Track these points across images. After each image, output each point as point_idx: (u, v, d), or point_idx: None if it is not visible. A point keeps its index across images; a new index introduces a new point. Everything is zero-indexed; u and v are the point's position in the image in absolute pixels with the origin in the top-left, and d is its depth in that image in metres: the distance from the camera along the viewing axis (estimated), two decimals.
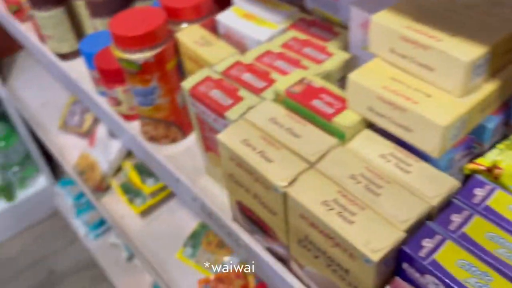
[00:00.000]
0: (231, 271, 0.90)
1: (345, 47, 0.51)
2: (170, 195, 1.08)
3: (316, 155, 0.38)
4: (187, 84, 0.48)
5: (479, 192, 0.35)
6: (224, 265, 0.92)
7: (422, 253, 0.32)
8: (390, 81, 0.37)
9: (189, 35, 0.55)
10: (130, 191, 1.06)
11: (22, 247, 1.62)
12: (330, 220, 0.33)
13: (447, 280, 0.30)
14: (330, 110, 0.40)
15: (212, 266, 0.93)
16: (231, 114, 0.43)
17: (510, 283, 0.29)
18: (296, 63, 0.48)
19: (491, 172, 0.36)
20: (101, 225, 1.51)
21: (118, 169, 1.10)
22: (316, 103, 0.41)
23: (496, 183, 0.36)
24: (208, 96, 0.46)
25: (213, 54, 0.51)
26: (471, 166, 0.37)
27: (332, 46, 0.50)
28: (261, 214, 0.42)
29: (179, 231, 1.01)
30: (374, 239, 0.32)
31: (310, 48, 0.50)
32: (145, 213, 1.05)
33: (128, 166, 1.08)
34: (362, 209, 0.34)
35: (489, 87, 0.35)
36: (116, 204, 1.08)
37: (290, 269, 0.44)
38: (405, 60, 0.36)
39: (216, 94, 0.46)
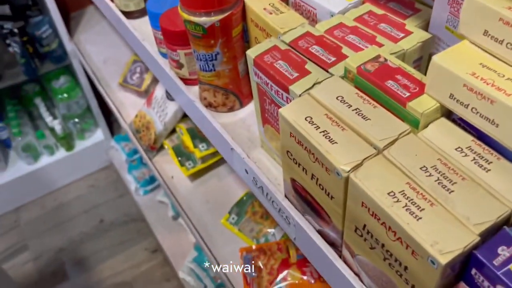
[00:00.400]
0: (273, 243, 0.90)
1: (425, 26, 0.47)
2: (220, 162, 1.08)
3: (385, 141, 0.35)
4: (253, 52, 0.46)
5: None
6: (267, 237, 0.93)
7: (497, 261, 0.29)
8: (479, 68, 0.33)
9: (258, 1, 0.52)
10: (182, 154, 1.08)
11: (77, 194, 1.72)
12: (396, 213, 0.31)
13: None
14: (405, 94, 0.37)
15: (255, 236, 0.93)
16: (295, 88, 0.41)
17: None
18: (370, 40, 0.44)
19: None
20: (150, 182, 1.56)
21: (172, 131, 1.12)
22: (390, 84, 0.37)
23: None
24: (273, 67, 0.44)
25: (282, 23, 0.49)
26: None
27: (411, 24, 0.46)
28: (316, 196, 0.40)
29: (225, 198, 1.01)
30: (443, 240, 0.29)
31: (387, 24, 0.46)
32: (194, 176, 1.06)
33: (182, 129, 1.09)
34: (432, 205, 0.31)
35: None
36: (167, 164, 1.10)
37: (340, 255, 0.42)
38: (501, 45, 0.32)
39: (281, 65, 0.44)
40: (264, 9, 0.51)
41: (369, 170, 0.34)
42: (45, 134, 1.64)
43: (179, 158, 1.07)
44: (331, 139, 0.36)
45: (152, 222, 1.49)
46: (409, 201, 0.32)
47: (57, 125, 1.60)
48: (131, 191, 1.58)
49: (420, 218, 0.31)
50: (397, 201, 0.32)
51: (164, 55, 0.68)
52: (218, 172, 1.09)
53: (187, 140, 1.06)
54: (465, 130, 0.36)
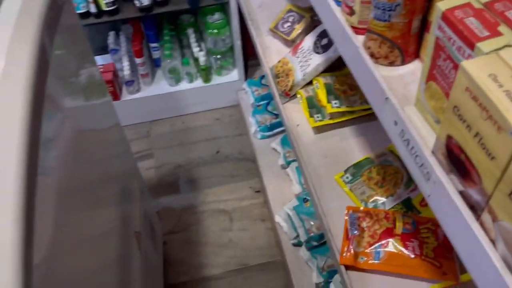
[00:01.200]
0: (381, 210, 0.91)
1: None
2: (346, 123, 1.10)
3: None
4: (444, 5, 0.46)
5: None
6: (376, 204, 0.94)
7: None
8: None
9: None
10: (313, 106, 1.12)
11: (202, 123, 1.88)
12: None
13: None
14: None
15: (365, 199, 0.95)
16: (483, 46, 0.41)
17: None
18: None
19: None
20: (270, 129, 1.65)
21: (309, 83, 1.16)
22: None
23: None
24: (463, 22, 0.44)
25: None
26: None
27: None
28: (473, 154, 0.41)
29: (343, 157, 1.04)
30: None
31: None
32: (318, 129, 1.10)
33: (319, 83, 1.12)
34: None
35: None
36: (296, 113, 1.16)
37: (479, 219, 0.42)
38: None
39: (472, 22, 0.43)
40: None
41: None
42: (189, 62, 1.80)
43: (310, 109, 1.11)
44: None
45: (262, 165, 1.59)
46: None
47: (201, 56, 1.75)
48: (250, 133, 1.68)
49: None
50: None
51: (338, 2, 0.70)
52: (342, 132, 1.11)
53: (322, 94, 1.10)
54: None
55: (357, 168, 1.00)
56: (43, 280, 0.48)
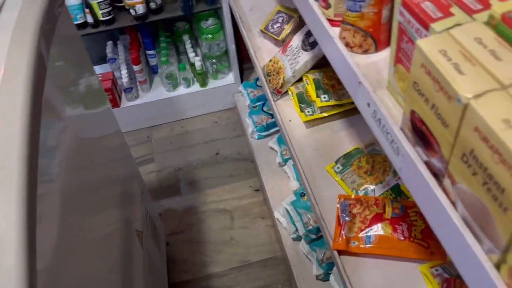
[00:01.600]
0: (372, 197, 0.94)
1: None
2: (336, 116, 1.14)
3: (511, 79, 0.38)
4: None
5: None
6: (366, 191, 0.97)
7: None
8: None
9: None
10: (303, 101, 1.16)
11: (201, 127, 1.93)
12: (506, 137, 0.35)
13: None
14: None
15: (355, 188, 0.99)
16: (437, 26, 0.45)
17: None
18: None
19: None
20: (266, 129, 1.69)
21: (299, 80, 1.20)
22: None
23: None
24: (419, 6, 0.48)
25: None
26: None
27: None
28: (432, 125, 0.45)
29: (334, 149, 1.08)
30: None
31: None
32: (310, 124, 1.14)
33: (309, 79, 1.16)
34: None
35: None
36: (287, 109, 1.20)
37: (441, 184, 0.46)
38: None
39: (428, 6, 0.47)
40: None
41: (489, 100, 0.37)
42: (186, 67, 1.85)
43: (301, 105, 1.15)
44: (460, 70, 0.40)
45: (260, 164, 1.63)
46: None
47: (197, 61, 1.80)
48: (247, 133, 1.73)
49: None
50: (510, 127, 0.35)
51: None
52: (332, 125, 1.15)
53: (311, 90, 1.14)
54: None
55: (347, 158, 1.04)
56: (48, 285, 0.49)
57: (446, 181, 0.45)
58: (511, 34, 0.41)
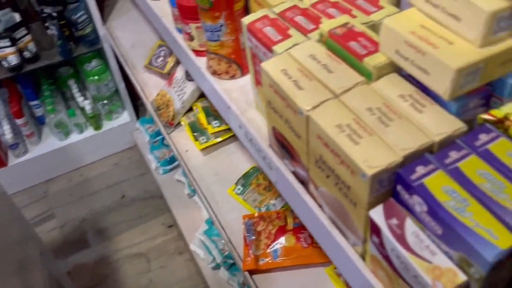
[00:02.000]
0: (273, 212, 0.98)
1: (398, 3, 0.54)
2: (231, 140, 1.17)
3: (342, 88, 0.43)
4: (246, 20, 0.54)
5: (483, 137, 0.37)
6: (268, 206, 1.01)
7: (414, 176, 0.36)
8: (419, 28, 0.40)
9: None
10: (196, 130, 1.17)
11: (101, 171, 1.84)
12: (339, 139, 0.39)
13: (427, 200, 0.34)
14: (363, 52, 0.44)
15: (258, 205, 1.01)
16: (278, 48, 0.49)
17: (484, 209, 0.33)
18: (346, 12, 0.52)
19: (502, 123, 0.39)
20: (170, 162, 1.66)
21: (189, 109, 1.22)
22: (352, 44, 0.45)
23: (506, 134, 0.38)
24: (261, 31, 0.52)
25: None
26: (485, 116, 0.40)
27: (385, 1, 0.53)
28: (289, 138, 0.48)
29: (233, 171, 1.10)
30: (372, 158, 0.37)
31: (364, 0, 0.53)
32: (206, 150, 1.15)
33: (198, 107, 1.18)
34: (370, 135, 0.39)
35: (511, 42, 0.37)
36: (183, 139, 1.20)
37: (308, 191, 0.50)
38: (437, 10, 0.39)
39: (269, 30, 0.52)
40: None
41: (325, 110, 0.42)
42: (76, 113, 1.77)
43: (194, 134, 1.16)
44: (300, 86, 0.44)
45: (169, 199, 1.59)
46: (352, 131, 0.39)
47: (87, 105, 1.73)
48: (151, 170, 1.69)
49: (359, 143, 0.38)
50: (342, 131, 0.39)
51: (179, 30, 0.77)
52: (227, 148, 1.18)
53: (202, 117, 1.16)
54: (411, 83, 0.43)
55: (246, 178, 1.07)
56: None
57: (311, 187, 0.48)
58: (338, 48, 0.46)
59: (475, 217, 0.33)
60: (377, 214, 0.38)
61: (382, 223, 0.37)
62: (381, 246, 0.38)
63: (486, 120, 0.40)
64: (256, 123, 0.62)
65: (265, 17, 0.54)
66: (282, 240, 0.93)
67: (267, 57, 0.52)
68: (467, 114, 0.40)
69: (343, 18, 0.48)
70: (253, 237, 0.93)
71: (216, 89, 0.64)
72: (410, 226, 0.36)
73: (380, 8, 0.52)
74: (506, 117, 0.39)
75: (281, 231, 0.94)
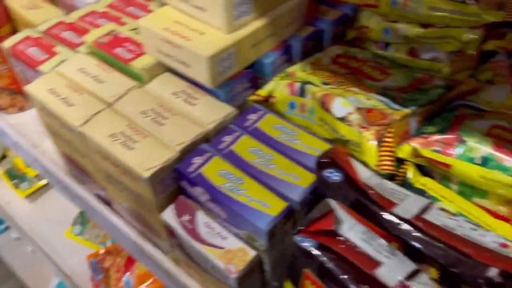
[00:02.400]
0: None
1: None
2: None
3: (115, 96, 0.41)
4: (7, 43, 0.48)
5: (252, 117, 0.39)
6: (113, 239, 0.94)
7: (191, 168, 0.36)
8: (173, 24, 0.40)
9: (19, 0, 0.55)
10: (15, 177, 1.03)
11: None
12: (113, 148, 0.37)
13: (207, 188, 0.34)
14: (129, 56, 0.43)
15: (102, 241, 0.94)
16: (44, 67, 0.45)
17: (256, 183, 0.34)
18: (116, 20, 0.50)
19: (267, 101, 0.42)
20: (1, 223, 1.45)
21: (3, 157, 1.07)
22: (118, 51, 0.44)
23: (272, 110, 0.41)
24: (25, 53, 0.47)
25: (39, 16, 0.52)
26: (253, 97, 0.42)
27: (154, 5, 0.53)
28: (78, 159, 0.45)
29: (67, 212, 1.00)
30: (148, 160, 0.36)
31: (133, 7, 0.53)
32: (32, 197, 1.03)
33: (12, 152, 1.05)
34: (145, 137, 0.37)
35: (257, 25, 0.40)
36: (1, 190, 1.05)
37: (113, 209, 0.46)
38: (187, 4, 0.40)
39: (33, 51, 0.47)
40: (22, 6, 0.54)
41: (97, 122, 0.39)
42: None
43: (13, 181, 1.03)
44: (70, 103, 0.41)
45: (9, 261, 1.39)
46: (126, 138, 0.37)
47: None
48: None
49: (134, 148, 0.37)
50: (116, 139, 0.37)
51: None
52: (53, 190, 1.07)
53: (19, 162, 1.03)
54: (184, 79, 0.43)
55: (82, 216, 0.98)
56: None
57: (115, 204, 0.45)
58: (107, 57, 0.44)
59: (249, 193, 0.34)
60: (169, 215, 0.37)
61: (174, 222, 0.36)
62: (180, 246, 0.37)
63: (255, 101, 0.42)
64: (50, 152, 0.56)
65: (28, 38, 0.49)
66: (133, 269, 0.87)
67: (36, 79, 0.47)
68: (237, 98, 0.42)
69: (109, 27, 0.47)
70: (101, 276, 0.86)
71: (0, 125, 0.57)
72: (202, 217, 0.36)
73: (150, 11, 0.51)
74: (270, 95, 0.41)
75: (131, 260, 0.89)
